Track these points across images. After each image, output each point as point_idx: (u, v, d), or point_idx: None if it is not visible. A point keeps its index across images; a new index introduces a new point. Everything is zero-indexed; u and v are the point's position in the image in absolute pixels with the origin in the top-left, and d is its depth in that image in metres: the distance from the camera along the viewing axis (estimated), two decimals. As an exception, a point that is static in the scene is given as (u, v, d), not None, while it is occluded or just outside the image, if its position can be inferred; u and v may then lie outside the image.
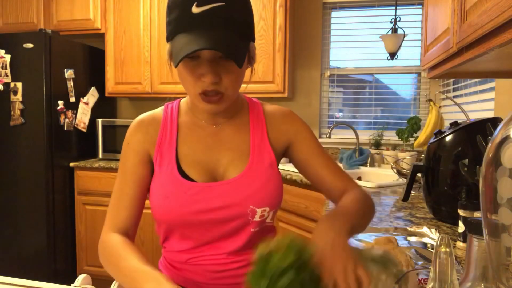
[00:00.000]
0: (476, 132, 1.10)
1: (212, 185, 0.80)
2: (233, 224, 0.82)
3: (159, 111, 0.89)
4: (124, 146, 0.86)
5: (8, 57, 2.55)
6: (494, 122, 1.12)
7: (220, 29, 0.70)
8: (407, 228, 1.17)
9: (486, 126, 1.03)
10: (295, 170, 2.37)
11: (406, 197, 1.38)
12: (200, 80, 0.74)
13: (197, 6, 0.69)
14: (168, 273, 0.89)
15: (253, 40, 0.81)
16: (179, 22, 0.72)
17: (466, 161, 1.13)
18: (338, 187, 0.86)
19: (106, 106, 3.12)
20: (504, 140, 0.42)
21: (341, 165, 2.63)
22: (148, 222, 2.49)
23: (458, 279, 0.46)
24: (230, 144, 0.85)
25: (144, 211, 0.87)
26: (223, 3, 0.69)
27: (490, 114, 1.76)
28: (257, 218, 0.81)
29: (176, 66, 0.72)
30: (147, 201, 0.86)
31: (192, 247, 0.84)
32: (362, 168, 2.55)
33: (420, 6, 2.76)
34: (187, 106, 0.89)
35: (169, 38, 0.77)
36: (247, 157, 0.83)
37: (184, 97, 0.92)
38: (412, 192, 1.42)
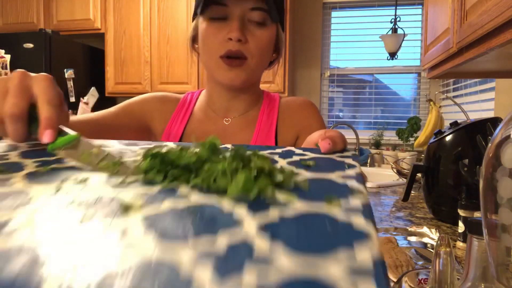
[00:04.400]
0: (476, 132, 1.10)
1: None
2: None
3: (181, 95, 0.89)
4: (138, 97, 0.85)
5: (8, 57, 2.55)
6: (494, 122, 1.12)
7: None
8: (407, 228, 1.17)
9: (486, 126, 1.03)
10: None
11: (406, 197, 1.38)
12: (226, 41, 0.71)
13: None
14: None
15: (283, 24, 0.81)
16: None
17: (466, 161, 1.13)
18: None
19: (106, 106, 3.10)
20: (504, 140, 0.42)
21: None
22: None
23: (458, 279, 0.46)
24: (234, 140, 0.83)
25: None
26: None
27: (490, 114, 1.76)
28: None
29: (203, 7, 0.70)
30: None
31: None
32: (362, 168, 2.55)
33: (420, 6, 2.76)
34: (204, 97, 0.87)
35: (196, 8, 0.75)
36: None
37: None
38: (412, 192, 1.42)
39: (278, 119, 0.84)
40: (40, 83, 0.42)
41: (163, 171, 0.32)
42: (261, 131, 0.83)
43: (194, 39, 0.81)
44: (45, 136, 0.38)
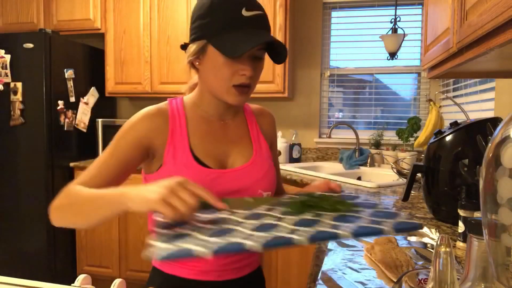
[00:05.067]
0: (476, 132, 1.10)
1: (227, 171, 0.90)
2: None
3: (163, 105, 0.93)
4: (125, 127, 0.88)
5: (8, 57, 2.55)
6: (494, 122, 1.12)
7: (266, 32, 0.85)
8: (407, 228, 1.16)
9: (486, 126, 1.03)
10: (295, 170, 2.37)
11: (406, 197, 1.38)
12: (238, 74, 0.84)
13: (247, 10, 0.82)
14: (169, 267, 0.91)
15: None
16: (228, 21, 0.82)
17: (466, 161, 1.13)
18: (281, 190, 1.11)
19: (106, 106, 3.13)
20: (504, 140, 0.42)
21: (341, 165, 2.63)
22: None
23: (458, 279, 0.46)
24: (234, 137, 0.95)
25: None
26: (263, 12, 0.85)
27: (490, 114, 1.76)
28: None
29: (239, 55, 0.79)
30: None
31: None
32: (362, 168, 2.55)
33: (420, 6, 2.77)
34: (192, 102, 0.95)
35: (208, 35, 0.83)
36: (251, 149, 0.96)
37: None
38: (412, 192, 1.42)
39: (258, 123, 1.01)
40: (196, 186, 0.69)
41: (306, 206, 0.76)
42: (253, 130, 0.99)
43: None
44: (221, 207, 0.70)
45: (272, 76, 2.62)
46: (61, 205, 0.81)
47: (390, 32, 2.47)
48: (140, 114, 0.89)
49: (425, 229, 1.13)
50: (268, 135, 1.02)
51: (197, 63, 0.88)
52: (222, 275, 0.90)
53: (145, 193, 0.67)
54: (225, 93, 0.86)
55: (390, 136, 2.75)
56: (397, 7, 2.52)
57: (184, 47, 0.91)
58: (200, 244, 0.58)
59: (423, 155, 1.38)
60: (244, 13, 0.81)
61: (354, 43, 2.94)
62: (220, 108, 0.93)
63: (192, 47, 0.86)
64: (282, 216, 0.72)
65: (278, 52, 0.87)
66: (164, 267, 0.92)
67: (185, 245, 0.59)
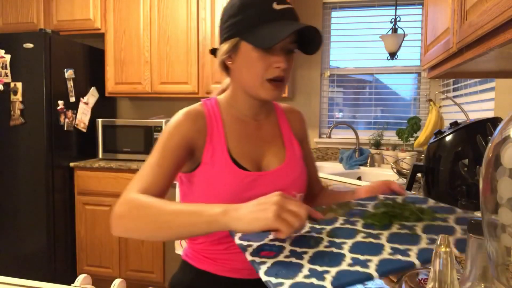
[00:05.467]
0: (476, 132, 1.10)
1: (263, 173, 0.90)
2: None
3: (199, 106, 0.92)
4: (170, 128, 0.87)
5: (8, 57, 2.55)
6: (494, 122, 1.12)
7: (297, 22, 0.86)
8: (407, 228, 1.16)
9: (486, 126, 1.03)
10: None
11: (406, 197, 1.38)
12: (272, 68, 0.85)
13: (278, 4, 0.83)
14: (200, 262, 0.92)
15: None
16: (260, 16, 0.83)
17: (466, 161, 1.13)
18: (319, 187, 1.12)
19: (106, 106, 3.13)
20: (504, 140, 0.42)
21: (341, 165, 2.63)
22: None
23: (458, 279, 0.46)
24: (268, 138, 0.96)
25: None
26: (291, 6, 0.87)
27: (490, 114, 1.75)
28: None
29: (276, 43, 0.80)
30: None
31: None
32: (362, 168, 2.55)
33: (420, 6, 2.77)
34: (226, 102, 0.95)
35: (241, 32, 0.84)
36: (283, 149, 0.96)
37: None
38: (412, 192, 1.42)
39: (289, 123, 1.02)
40: (295, 198, 0.71)
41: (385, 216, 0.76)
42: (285, 130, 1.00)
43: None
44: (321, 217, 0.71)
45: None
46: (129, 215, 0.76)
47: (390, 32, 2.47)
48: (182, 115, 0.88)
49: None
50: (299, 133, 1.03)
51: (229, 62, 0.89)
52: (252, 273, 0.90)
53: (255, 213, 0.65)
54: (260, 88, 0.86)
55: (390, 136, 2.75)
56: (397, 7, 2.52)
57: (213, 52, 0.92)
58: (323, 278, 0.56)
59: (423, 155, 1.38)
60: (276, 6, 0.82)
61: (354, 43, 2.94)
62: (254, 107, 0.94)
63: (225, 46, 0.87)
64: (369, 231, 0.70)
65: (310, 43, 0.88)
66: (195, 261, 0.93)
67: (305, 279, 0.56)
